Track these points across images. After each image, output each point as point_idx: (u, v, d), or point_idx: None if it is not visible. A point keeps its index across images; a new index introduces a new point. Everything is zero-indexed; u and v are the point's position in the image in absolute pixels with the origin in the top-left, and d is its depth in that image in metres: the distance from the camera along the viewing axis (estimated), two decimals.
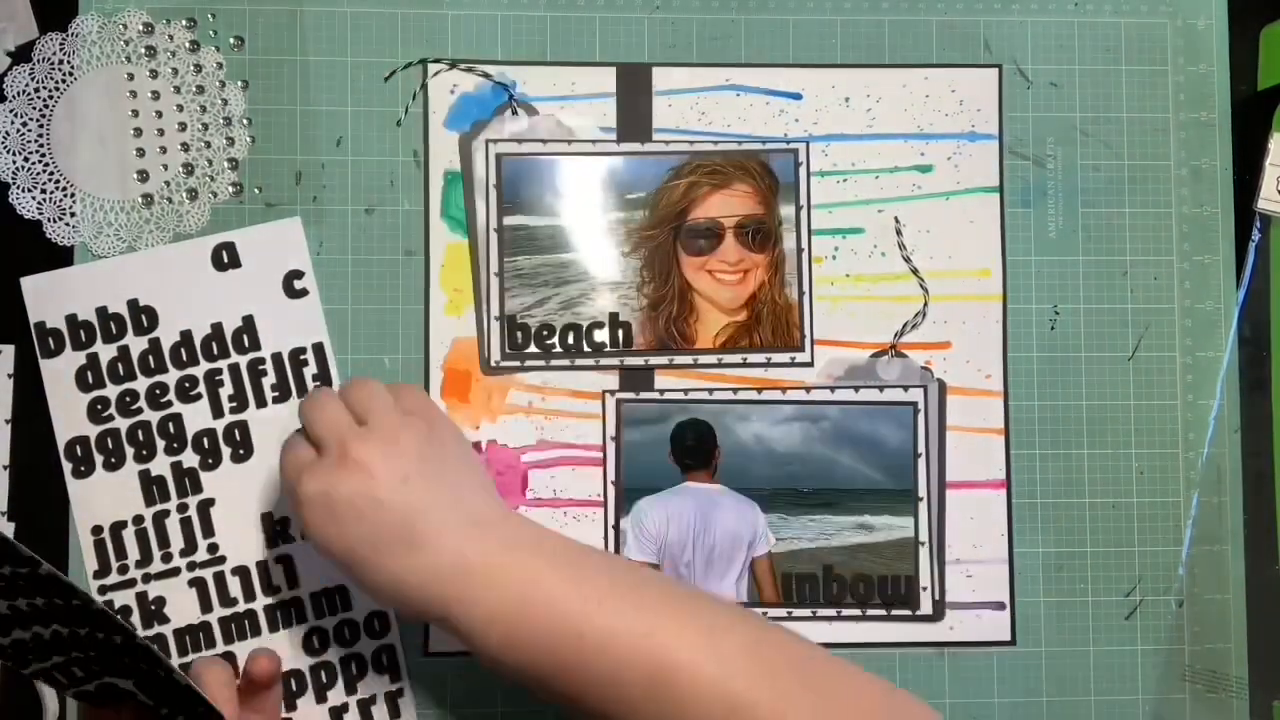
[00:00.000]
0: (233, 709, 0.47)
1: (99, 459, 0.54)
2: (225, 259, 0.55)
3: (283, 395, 0.55)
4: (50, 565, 0.37)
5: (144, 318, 0.54)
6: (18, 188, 0.54)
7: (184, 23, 0.55)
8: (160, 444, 0.54)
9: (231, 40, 0.56)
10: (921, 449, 0.56)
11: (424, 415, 0.47)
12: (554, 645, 0.42)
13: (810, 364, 0.57)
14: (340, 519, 0.44)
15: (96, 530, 0.54)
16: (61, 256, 0.55)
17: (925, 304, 0.57)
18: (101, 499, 0.54)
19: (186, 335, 0.54)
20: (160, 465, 0.54)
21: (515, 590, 0.43)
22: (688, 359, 0.56)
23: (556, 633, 0.42)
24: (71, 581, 0.38)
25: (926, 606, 0.56)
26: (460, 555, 0.44)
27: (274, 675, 0.49)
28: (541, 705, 0.54)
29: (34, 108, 0.55)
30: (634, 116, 0.57)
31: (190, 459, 0.54)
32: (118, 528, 0.54)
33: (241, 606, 0.54)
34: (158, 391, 0.54)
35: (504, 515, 0.47)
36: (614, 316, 0.56)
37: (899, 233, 0.57)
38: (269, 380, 0.55)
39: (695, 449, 0.56)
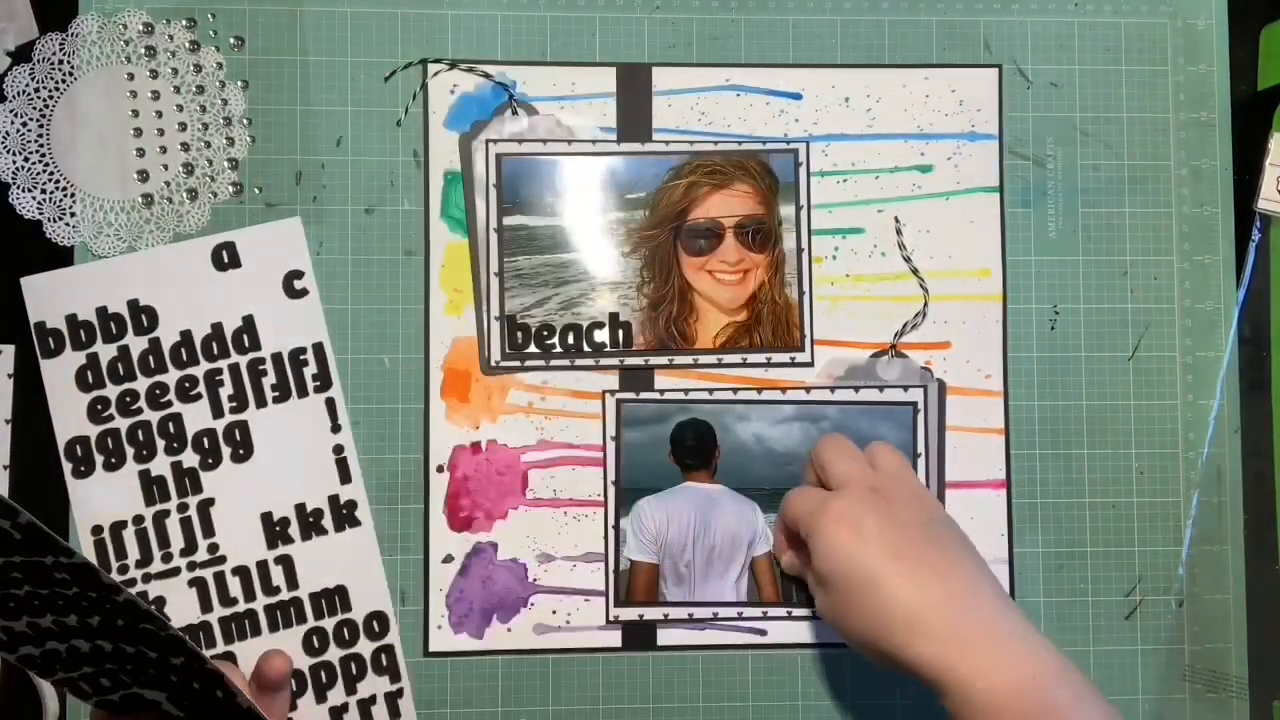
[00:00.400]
0: None
1: (99, 459, 0.54)
2: (225, 259, 0.55)
3: (283, 395, 0.55)
4: (85, 557, 0.38)
5: (144, 318, 0.54)
6: (18, 188, 0.54)
7: (184, 23, 0.55)
8: (160, 444, 0.54)
9: (231, 40, 0.56)
10: (921, 449, 0.56)
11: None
12: None
13: (810, 364, 0.57)
14: (867, 536, 0.45)
15: (96, 530, 0.54)
16: (61, 256, 0.55)
17: (925, 304, 0.57)
18: (101, 499, 0.54)
19: (186, 335, 0.54)
20: (160, 465, 0.54)
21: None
22: (688, 359, 0.56)
23: None
24: (109, 577, 0.38)
25: None
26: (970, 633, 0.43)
27: (285, 676, 0.49)
28: (539, 707, 0.54)
29: (34, 108, 0.55)
30: (634, 116, 0.57)
31: (190, 459, 0.54)
32: (118, 528, 0.54)
33: (241, 606, 0.54)
34: (158, 391, 0.54)
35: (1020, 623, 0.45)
36: (614, 316, 0.56)
37: (899, 233, 0.57)
38: (269, 380, 0.55)
39: (695, 449, 0.56)
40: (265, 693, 0.49)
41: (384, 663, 0.54)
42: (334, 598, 0.54)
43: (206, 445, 0.54)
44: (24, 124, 0.55)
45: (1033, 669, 0.42)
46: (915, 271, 0.57)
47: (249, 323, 0.55)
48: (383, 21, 0.56)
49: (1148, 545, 0.57)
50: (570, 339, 0.56)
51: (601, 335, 0.56)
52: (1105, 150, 0.58)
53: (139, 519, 0.54)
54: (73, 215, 0.54)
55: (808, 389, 0.56)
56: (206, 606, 0.54)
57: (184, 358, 0.54)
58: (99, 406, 0.54)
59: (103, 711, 0.45)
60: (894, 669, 0.44)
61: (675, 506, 0.56)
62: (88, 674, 0.42)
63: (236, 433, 0.54)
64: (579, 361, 0.56)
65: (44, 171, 0.55)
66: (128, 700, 0.44)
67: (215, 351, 0.55)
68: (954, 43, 0.58)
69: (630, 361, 0.56)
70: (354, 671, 0.54)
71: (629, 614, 0.55)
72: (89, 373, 0.54)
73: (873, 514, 0.46)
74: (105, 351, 0.54)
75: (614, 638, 0.55)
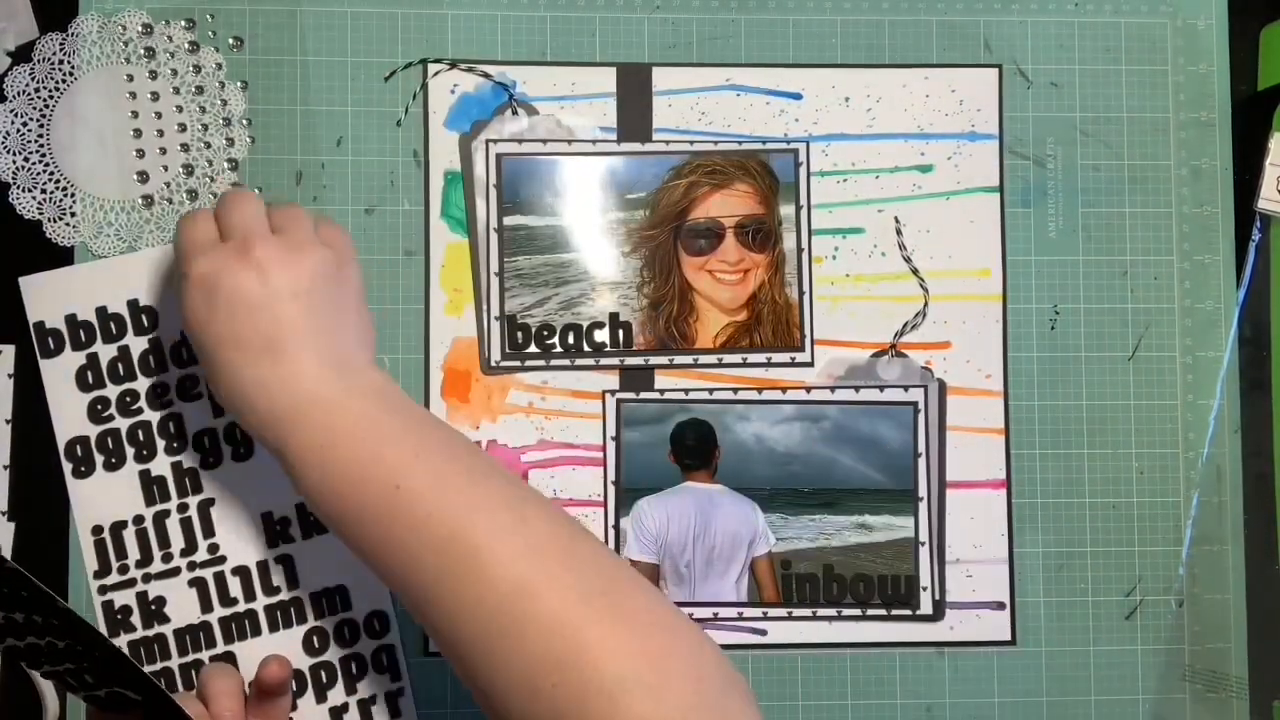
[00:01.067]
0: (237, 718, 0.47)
1: (99, 459, 0.54)
2: None
3: None
4: (13, 565, 0.38)
5: (144, 318, 0.54)
6: (18, 188, 0.54)
7: (183, 23, 0.55)
8: (160, 444, 0.54)
9: (231, 41, 0.56)
10: (921, 449, 0.56)
11: (338, 252, 0.47)
12: (367, 489, 0.42)
13: (810, 364, 0.57)
14: (217, 308, 0.44)
15: (97, 530, 0.54)
16: (61, 256, 0.55)
17: (925, 304, 0.57)
18: (101, 499, 0.54)
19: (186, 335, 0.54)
20: (160, 465, 0.54)
21: (346, 427, 0.43)
22: (688, 359, 0.56)
23: (372, 478, 0.42)
24: (43, 587, 0.38)
25: (926, 606, 0.56)
26: (314, 384, 0.44)
27: (284, 682, 0.49)
28: None
29: (34, 108, 0.55)
30: (634, 116, 0.57)
31: (190, 459, 0.54)
32: (118, 528, 0.54)
33: (241, 606, 0.54)
34: (158, 391, 0.54)
35: (369, 365, 0.46)
36: (614, 316, 0.56)
37: (899, 233, 0.57)
38: None
39: (695, 449, 0.56)
40: (267, 698, 0.49)
41: (384, 662, 0.54)
42: (334, 597, 0.54)
43: (207, 445, 0.54)
44: (24, 124, 0.55)
45: (336, 429, 0.43)
46: (915, 271, 0.57)
47: None
48: (383, 21, 0.56)
49: (1148, 545, 0.57)
50: (570, 339, 0.56)
51: (602, 335, 0.56)
52: (1105, 150, 0.58)
53: (139, 519, 0.54)
54: (73, 215, 0.54)
55: (808, 389, 0.56)
56: (207, 606, 0.54)
57: (184, 357, 0.54)
58: (99, 406, 0.54)
59: (94, 708, 0.45)
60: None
61: (675, 506, 0.56)
62: (70, 669, 0.42)
63: (237, 432, 0.54)
64: (579, 361, 0.56)
65: (44, 171, 0.55)
66: (112, 697, 0.44)
67: None
68: (954, 43, 0.58)
69: (630, 361, 0.56)
70: (354, 671, 0.54)
71: None
72: (89, 373, 0.54)
73: (229, 287, 0.44)
74: (105, 351, 0.54)
75: None
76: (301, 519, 0.54)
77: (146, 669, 0.53)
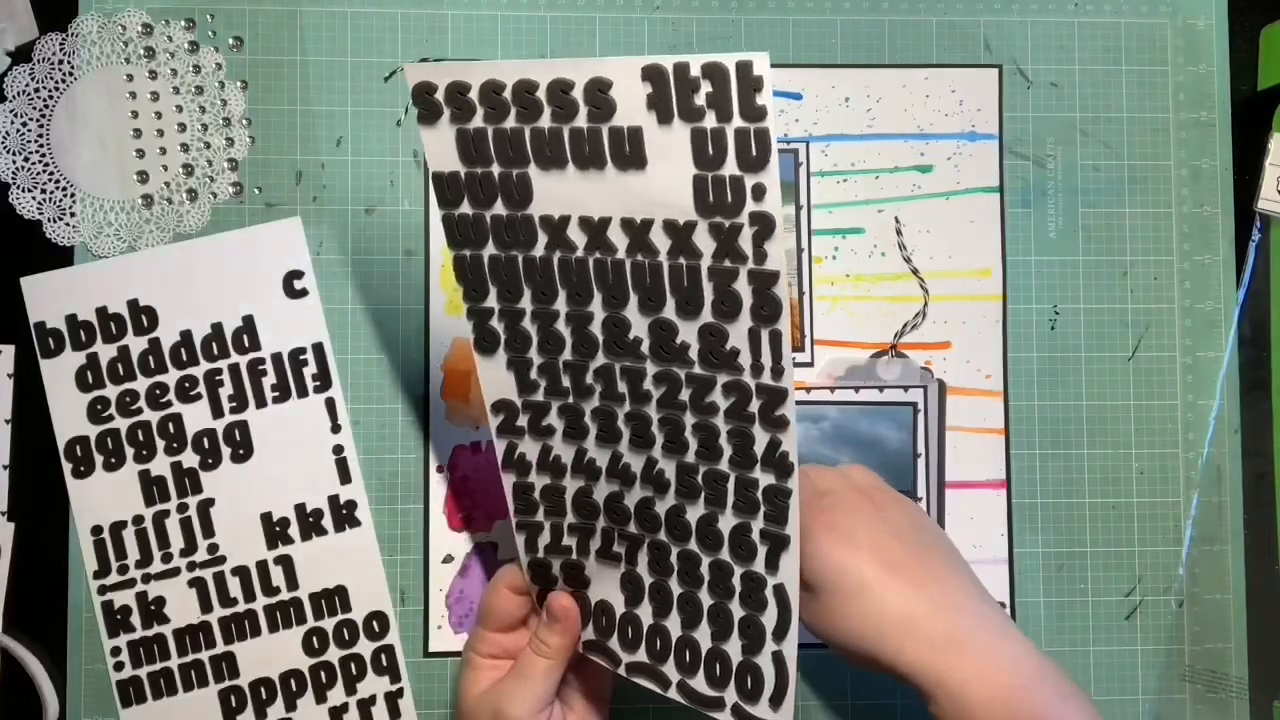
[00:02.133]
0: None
1: (99, 459, 0.54)
2: (226, 259, 0.55)
3: (283, 395, 0.55)
4: None
5: (144, 318, 0.54)
6: (18, 188, 0.54)
7: (183, 23, 0.55)
8: (160, 444, 0.54)
9: (231, 40, 0.56)
10: (921, 449, 0.56)
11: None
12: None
13: (810, 364, 0.57)
14: (857, 543, 0.44)
15: (96, 530, 0.54)
16: (61, 256, 0.55)
17: (925, 304, 0.57)
18: (101, 499, 0.54)
19: (186, 335, 0.54)
20: (160, 465, 0.54)
21: (1013, 656, 0.43)
22: None
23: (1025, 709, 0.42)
24: None
25: None
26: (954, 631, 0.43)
27: (570, 613, 0.47)
28: None
29: (34, 108, 0.55)
30: None
31: (190, 459, 0.54)
32: (118, 528, 0.54)
33: (241, 606, 0.54)
34: (158, 392, 0.54)
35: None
36: None
37: (899, 233, 0.57)
38: (269, 380, 0.55)
39: None
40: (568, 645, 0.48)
41: (384, 663, 0.54)
42: (334, 598, 0.54)
43: (206, 445, 0.54)
44: (24, 124, 0.55)
45: (1022, 674, 0.42)
46: (915, 271, 0.57)
47: (249, 323, 0.55)
48: (383, 21, 0.56)
49: (1148, 545, 0.57)
50: None
51: None
52: (1105, 150, 0.58)
53: (139, 519, 0.54)
54: (73, 215, 0.54)
55: (808, 389, 0.56)
56: (206, 607, 0.54)
57: (184, 358, 0.54)
58: (99, 406, 0.54)
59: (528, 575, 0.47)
60: (879, 673, 0.44)
61: None
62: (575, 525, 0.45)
63: (236, 433, 0.54)
64: None
65: (44, 171, 0.55)
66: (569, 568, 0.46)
67: (215, 351, 0.55)
68: (954, 43, 0.58)
69: None
70: (354, 672, 0.54)
71: None
72: (89, 373, 0.54)
73: (863, 522, 0.45)
74: (105, 352, 0.54)
75: None
76: (301, 519, 0.54)
77: (145, 670, 0.53)
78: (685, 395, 0.41)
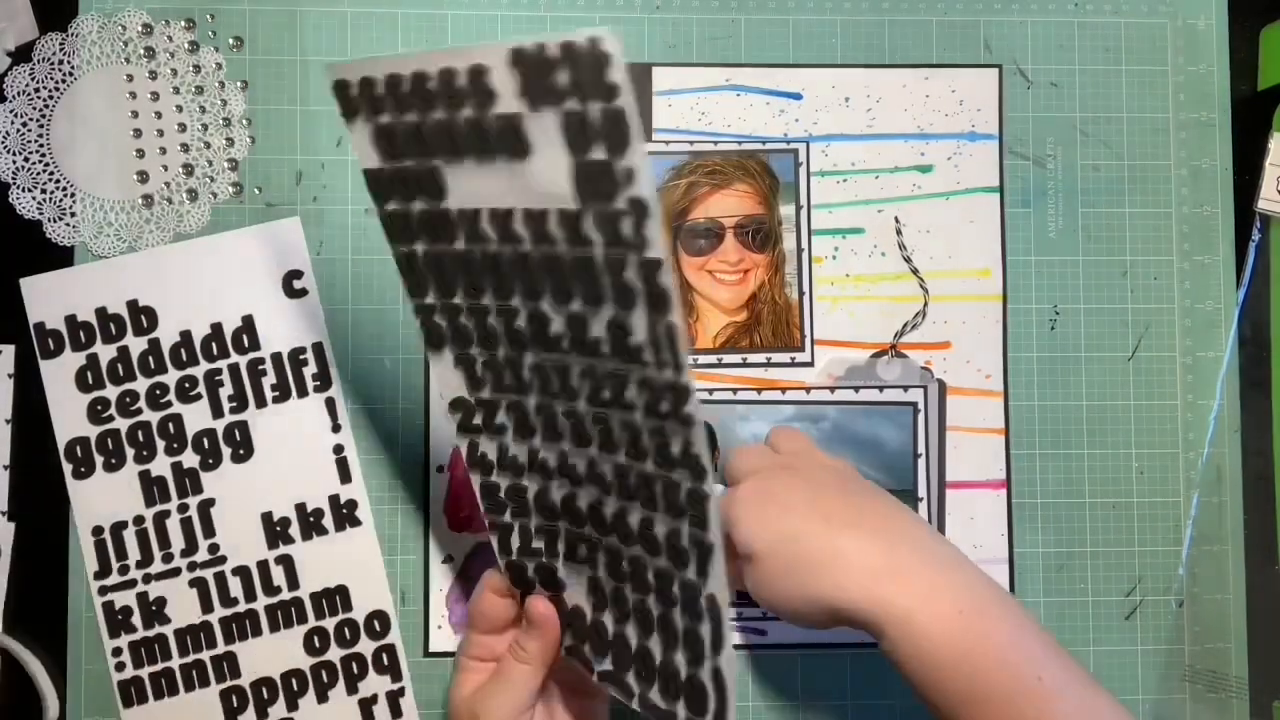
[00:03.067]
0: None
1: (99, 459, 0.54)
2: (225, 259, 0.55)
3: (283, 395, 0.55)
4: None
5: (144, 318, 0.54)
6: (18, 188, 0.54)
7: (183, 23, 0.55)
8: (160, 444, 0.54)
9: (231, 41, 0.56)
10: (921, 449, 0.56)
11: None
12: (1005, 672, 0.40)
13: (810, 364, 0.57)
14: (787, 504, 0.45)
15: (97, 531, 0.54)
16: (61, 256, 0.55)
17: (925, 304, 0.57)
18: (102, 499, 0.54)
19: (186, 335, 0.54)
20: (160, 465, 0.54)
21: (990, 598, 0.42)
22: None
23: (1012, 661, 0.41)
24: None
25: None
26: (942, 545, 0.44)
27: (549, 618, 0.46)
28: None
29: (34, 108, 0.55)
30: None
31: (190, 459, 0.54)
32: (118, 528, 0.54)
33: (242, 606, 0.54)
34: (157, 392, 0.54)
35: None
36: None
37: (899, 233, 0.57)
38: (269, 380, 0.55)
39: None
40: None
41: (385, 662, 0.54)
42: (335, 597, 0.54)
43: (206, 445, 0.54)
44: (24, 124, 0.55)
45: (971, 599, 0.41)
46: (915, 271, 0.57)
47: (249, 323, 0.55)
48: (383, 21, 0.56)
49: (1148, 545, 0.57)
50: None
51: None
52: (1105, 150, 0.58)
53: (139, 519, 0.54)
54: (73, 215, 0.54)
55: (808, 389, 0.56)
56: (207, 607, 0.54)
57: (184, 358, 0.54)
58: (99, 407, 0.54)
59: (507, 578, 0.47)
60: (832, 624, 0.43)
61: None
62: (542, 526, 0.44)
63: (236, 433, 0.54)
64: None
65: (44, 171, 0.55)
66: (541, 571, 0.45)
67: (215, 352, 0.55)
68: (954, 43, 0.58)
69: None
70: (355, 671, 0.54)
71: None
72: (89, 373, 0.54)
73: (787, 485, 0.45)
74: (105, 352, 0.54)
75: None
76: (301, 519, 0.54)
77: (146, 670, 0.54)
78: (607, 392, 0.39)
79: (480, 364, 0.43)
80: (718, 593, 0.39)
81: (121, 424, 0.54)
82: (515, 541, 0.46)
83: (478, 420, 0.44)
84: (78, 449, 0.54)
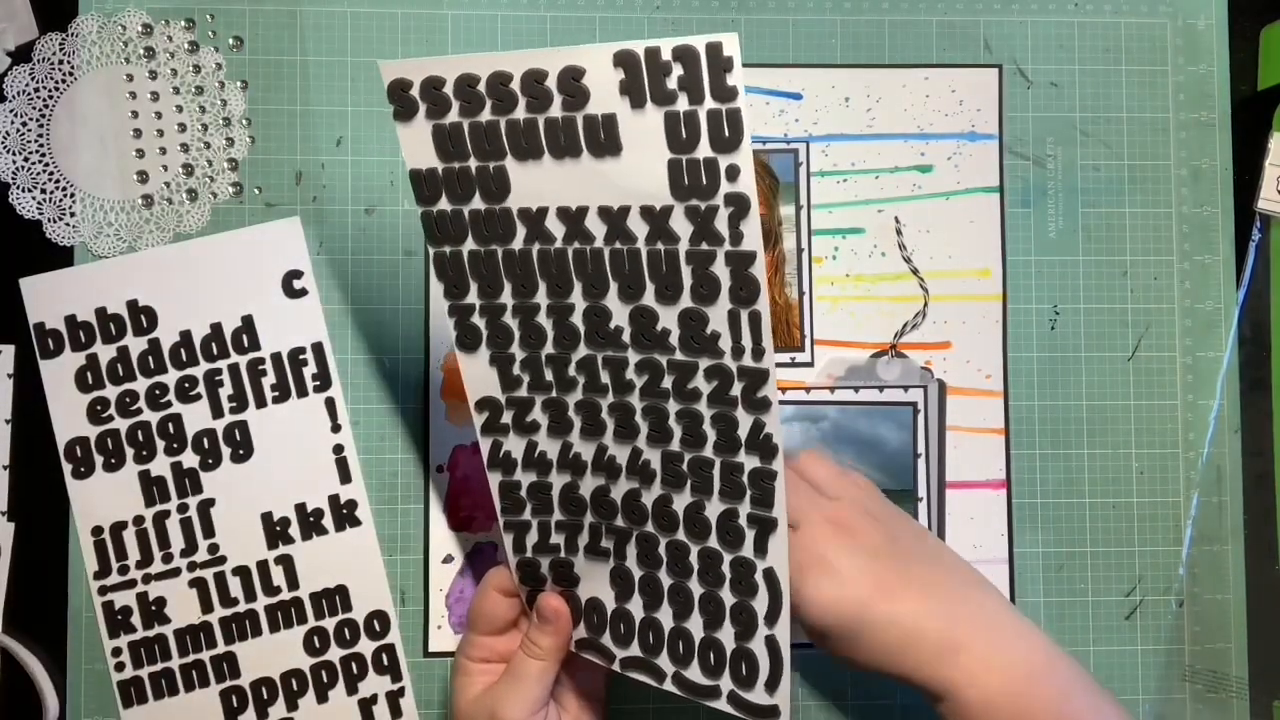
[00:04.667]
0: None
1: (99, 460, 0.54)
2: (225, 259, 0.55)
3: (283, 395, 0.55)
4: None
5: (143, 318, 0.54)
6: (18, 188, 0.54)
7: (183, 23, 0.55)
8: (160, 444, 0.54)
9: (231, 41, 0.56)
10: (921, 449, 0.56)
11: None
12: (1036, 695, 0.43)
13: (810, 364, 0.57)
14: (842, 579, 0.44)
15: (96, 531, 0.54)
16: (61, 256, 0.55)
17: (925, 304, 0.57)
18: (101, 500, 0.54)
19: (186, 335, 0.54)
20: (160, 466, 0.54)
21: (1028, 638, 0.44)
22: None
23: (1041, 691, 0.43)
24: None
25: None
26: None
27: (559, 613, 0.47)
28: None
29: (34, 108, 0.55)
30: None
31: (190, 459, 0.54)
32: (118, 528, 0.54)
33: (242, 606, 0.54)
34: (157, 392, 0.54)
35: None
36: None
37: (899, 233, 0.57)
38: (269, 380, 0.55)
39: None
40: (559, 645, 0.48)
41: (385, 662, 0.54)
42: (334, 597, 0.54)
43: (206, 445, 0.54)
44: (24, 124, 0.55)
45: (1020, 673, 0.43)
46: (915, 271, 0.57)
47: (248, 323, 0.55)
48: (383, 21, 0.56)
49: (1148, 545, 0.57)
50: None
51: None
52: (1105, 150, 0.58)
53: (139, 519, 0.54)
54: (73, 215, 0.54)
55: (808, 389, 0.56)
56: (207, 607, 0.54)
57: (183, 358, 0.54)
58: (98, 407, 0.54)
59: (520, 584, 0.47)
60: (905, 686, 0.44)
61: None
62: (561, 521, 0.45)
63: (236, 433, 0.54)
64: None
65: (44, 171, 0.55)
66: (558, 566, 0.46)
67: (215, 352, 0.55)
68: (954, 43, 0.58)
69: None
70: (355, 671, 0.54)
71: None
72: (88, 373, 0.54)
73: (840, 552, 0.45)
74: (105, 352, 0.54)
75: None
76: (301, 519, 0.54)
77: (146, 670, 0.54)
78: (668, 383, 0.41)
79: (519, 362, 0.44)
80: (776, 566, 0.41)
81: (121, 424, 0.54)
82: (532, 539, 0.46)
83: (505, 420, 0.45)
84: (77, 449, 0.54)
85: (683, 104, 0.36)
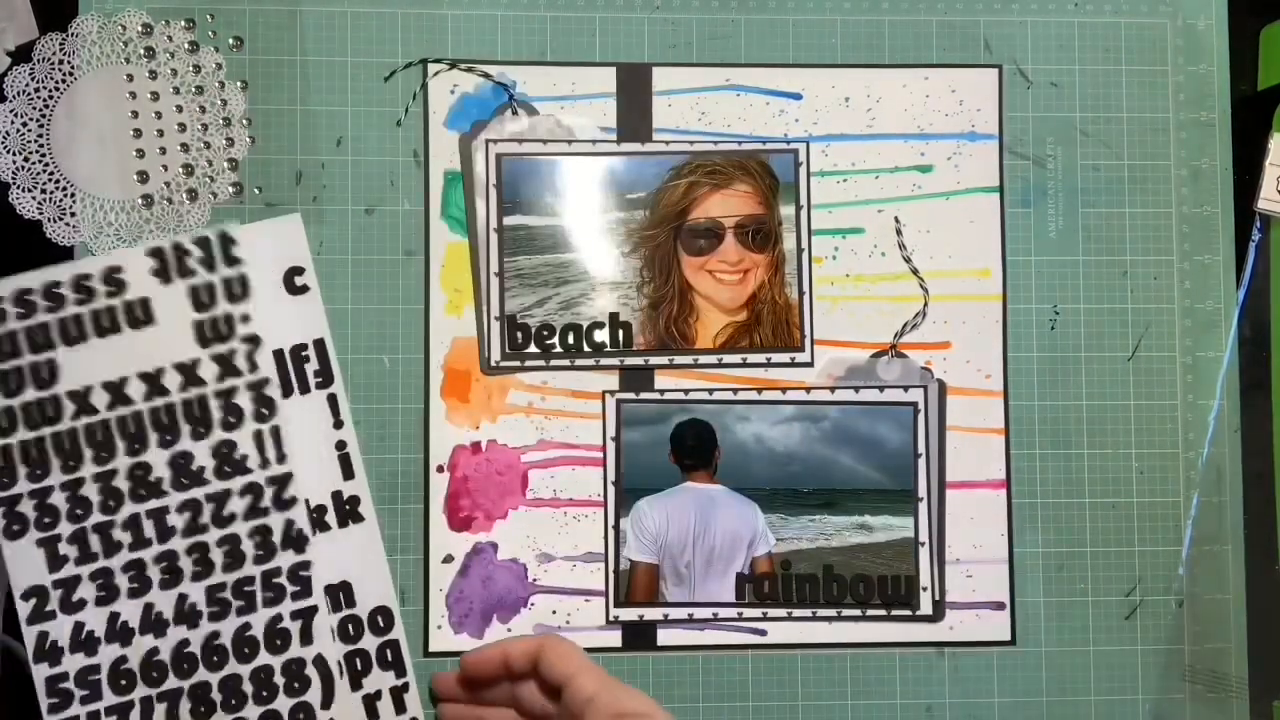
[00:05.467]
0: None
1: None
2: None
3: (285, 391, 0.55)
4: None
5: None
6: (18, 188, 0.54)
7: (183, 23, 0.55)
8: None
9: (231, 41, 0.56)
10: (921, 449, 0.56)
11: None
12: None
13: (810, 364, 0.57)
14: None
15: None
16: (61, 256, 0.55)
17: (925, 304, 0.57)
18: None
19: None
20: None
21: None
22: (688, 359, 0.56)
23: None
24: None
25: (926, 606, 0.56)
26: None
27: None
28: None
29: (34, 108, 0.55)
30: (634, 116, 0.57)
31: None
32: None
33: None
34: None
35: None
36: (614, 316, 0.56)
37: (899, 233, 0.57)
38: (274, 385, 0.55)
39: (695, 449, 0.56)
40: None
41: (389, 658, 0.54)
42: (338, 593, 0.54)
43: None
44: (24, 124, 0.55)
45: None
46: (915, 271, 0.57)
47: (247, 320, 0.55)
48: (383, 21, 0.56)
49: (1148, 545, 0.57)
50: (570, 339, 0.56)
51: (601, 335, 0.56)
52: (1105, 150, 0.58)
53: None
54: (73, 215, 0.54)
55: (808, 389, 0.56)
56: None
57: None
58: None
59: None
60: None
61: (675, 507, 0.56)
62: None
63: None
64: (579, 361, 0.56)
65: (44, 171, 0.55)
66: None
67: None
68: (954, 43, 0.58)
69: (630, 361, 0.56)
70: (359, 667, 0.54)
71: (629, 614, 0.55)
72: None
73: None
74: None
75: (614, 638, 0.55)
76: (306, 515, 0.54)
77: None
78: (207, 515, 0.48)
79: (65, 539, 0.48)
80: (324, 650, 0.48)
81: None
82: None
83: (52, 605, 0.48)
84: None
85: (201, 276, 0.48)
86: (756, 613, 0.56)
